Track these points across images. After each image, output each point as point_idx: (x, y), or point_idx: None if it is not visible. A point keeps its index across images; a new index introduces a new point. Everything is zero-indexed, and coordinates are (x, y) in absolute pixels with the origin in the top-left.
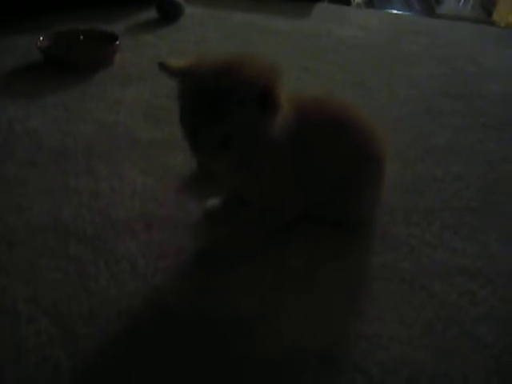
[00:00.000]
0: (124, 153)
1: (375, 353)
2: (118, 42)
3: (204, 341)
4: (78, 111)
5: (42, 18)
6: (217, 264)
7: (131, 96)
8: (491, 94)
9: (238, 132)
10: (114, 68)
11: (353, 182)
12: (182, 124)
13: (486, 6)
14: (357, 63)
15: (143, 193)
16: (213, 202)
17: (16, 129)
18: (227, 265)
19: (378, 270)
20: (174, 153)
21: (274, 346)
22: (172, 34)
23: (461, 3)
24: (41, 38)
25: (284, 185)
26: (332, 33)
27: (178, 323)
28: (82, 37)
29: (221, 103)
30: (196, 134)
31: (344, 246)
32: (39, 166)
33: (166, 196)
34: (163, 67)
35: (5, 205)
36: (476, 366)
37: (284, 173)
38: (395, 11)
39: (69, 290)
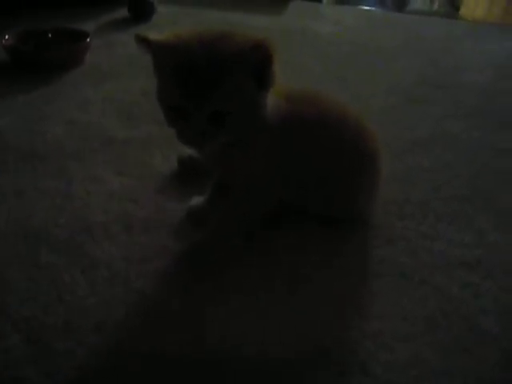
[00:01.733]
0: (98, 153)
1: (380, 352)
2: (88, 40)
3: (195, 348)
4: (47, 111)
5: (6, 17)
6: (203, 265)
7: (103, 95)
8: (469, 84)
9: (233, 108)
10: (85, 67)
11: (347, 177)
12: (164, 102)
13: (452, 3)
14: (335, 57)
15: (121, 194)
16: (196, 200)
17: None
18: (214, 265)
19: (376, 266)
20: (152, 151)
21: (274, 347)
22: (144, 32)
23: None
24: (6, 37)
25: (271, 171)
26: (308, 29)
27: (165, 331)
28: (50, 35)
29: (212, 75)
30: (183, 112)
31: (339, 241)
32: (6, 167)
33: (145, 197)
34: (140, 39)
35: None
36: (485, 360)
37: (272, 159)
38: (368, 8)
39: (41, 301)
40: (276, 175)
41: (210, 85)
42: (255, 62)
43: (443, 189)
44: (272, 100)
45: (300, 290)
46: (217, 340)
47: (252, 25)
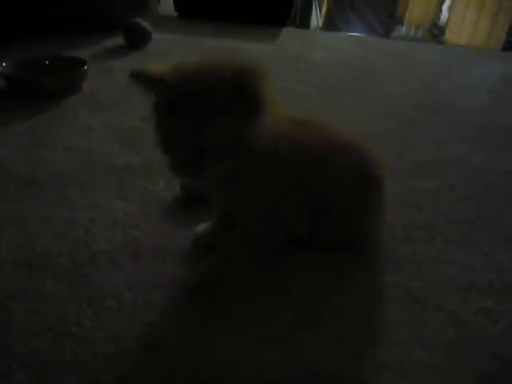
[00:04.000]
0: (100, 180)
1: (401, 382)
2: (86, 67)
3: (210, 380)
4: (47, 138)
5: (3, 45)
6: (213, 296)
7: (103, 122)
8: (467, 108)
9: (211, 142)
10: (83, 94)
11: (355, 202)
12: (156, 138)
13: (433, 31)
14: (331, 82)
15: (124, 221)
16: (202, 228)
17: None
18: (225, 296)
19: (388, 291)
20: (154, 177)
21: (288, 380)
22: (140, 60)
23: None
24: (3, 64)
25: (274, 202)
26: (302, 55)
27: (177, 364)
28: (47, 62)
29: (191, 111)
30: (167, 147)
31: (348, 268)
32: (6, 195)
33: (149, 224)
34: (136, 75)
35: None
36: None
37: (276, 190)
38: (358, 34)
39: (47, 335)
40: (281, 206)
41: (188, 120)
42: (237, 90)
43: (449, 212)
44: (274, 128)
45: (312, 318)
46: (230, 373)
47: (246, 52)
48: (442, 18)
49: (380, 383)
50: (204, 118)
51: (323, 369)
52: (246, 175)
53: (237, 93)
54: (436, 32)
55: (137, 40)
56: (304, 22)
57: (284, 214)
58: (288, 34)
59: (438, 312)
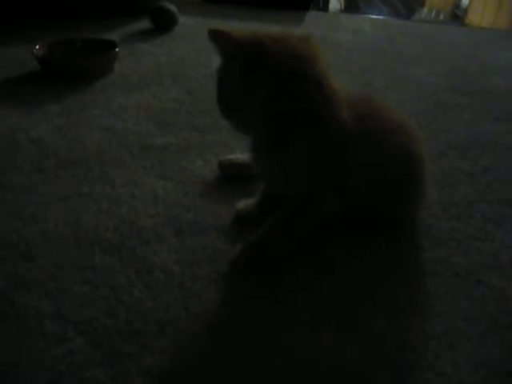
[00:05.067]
0: (138, 159)
1: (447, 352)
2: (117, 49)
3: (260, 352)
4: (82, 119)
5: (32, 29)
6: (259, 268)
7: (136, 102)
8: (497, 89)
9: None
10: (114, 76)
11: (403, 180)
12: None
13: (456, 13)
14: (358, 65)
15: (166, 198)
16: (244, 203)
17: (19, 138)
18: (270, 268)
19: (431, 266)
20: (191, 157)
21: (337, 350)
22: (168, 42)
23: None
24: (37, 47)
25: (325, 179)
26: (329, 38)
27: (230, 336)
28: (79, 44)
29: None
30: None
31: (391, 243)
32: (48, 174)
33: (190, 200)
34: (214, 33)
35: (15, 215)
36: None
37: (327, 166)
38: (381, 16)
39: (100, 304)
40: (332, 185)
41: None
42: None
43: (485, 192)
44: (331, 108)
45: (357, 294)
46: (276, 343)
47: None
48: (462, 2)
49: (428, 354)
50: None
51: (373, 341)
52: (299, 149)
53: (303, 59)
54: (459, 13)
55: (164, 22)
56: (326, 5)
57: (336, 190)
58: (313, 17)
59: (480, 286)
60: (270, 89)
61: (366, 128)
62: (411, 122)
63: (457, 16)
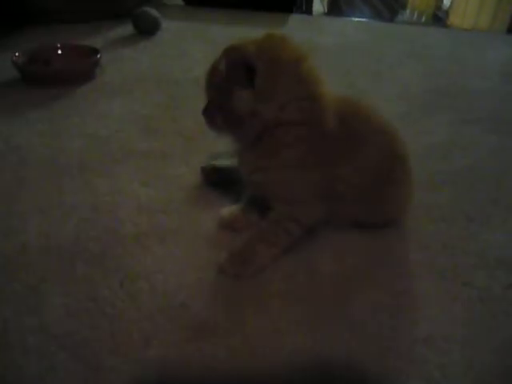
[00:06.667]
0: (121, 166)
1: (434, 356)
2: (99, 56)
3: (244, 359)
4: (64, 125)
5: (13, 36)
6: (245, 276)
7: (118, 109)
8: (478, 90)
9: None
10: (96, 82)
11: (389, 183)
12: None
13: (438, 15)
14: (342, 67)
15: (149, 206)
16: (228, 209)
17: None
18: (257, 275)
19: (416, 269)
20: (174, 163)
21: (325, 356)
22: (151, 48)
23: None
24: (17, 54)
25: (311, 185)
26: (312, 40)
27: (217, 346)
28: (60, 51)
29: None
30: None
31: (376, 246)
32: (28, 183)
33: (173, 208)
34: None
35: None
36: None
37: (316, 174)
38: (364, 19)
39: (82, 316)
40: (320, 192)
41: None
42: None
43: (469, 192)
44: (322, 115)
45: (344, 297)
46: (266, 351)
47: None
48: (444, 4)
49: (414, 357)
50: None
51: (357, 344)
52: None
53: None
54: (441, 15)
55: (147, 27)
56: (309, 8)
57: (324, 196)
58: (296, 20)
59: (466, 288)
60: (264, 99)
61: (351, 131)
62: (394, 125)
63: (439, 18)
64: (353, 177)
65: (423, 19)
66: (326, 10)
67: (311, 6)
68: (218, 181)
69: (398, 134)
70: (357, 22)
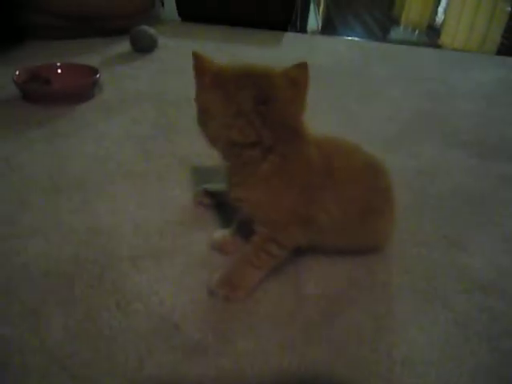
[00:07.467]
0: (118, 187)
1: (411, 379)
2: (98, 75)
3: (235, 379)
4: (63, 145)
5: (13, 52)
6: (235, 298)
7: (116, 129)
8: (466, 113)
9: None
10: (95, 101)
11: (370, 215)
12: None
13: (430, 34)
14: (334, 88)
15: (146, 227)
16: (220, 233)
17: None
18: (247, 297)
19: (398, 292)
20: (170, 184)
21: (306, 379)
22: (148, 65)
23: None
24: (17, 73)
25: (293, 214)
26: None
27: (209, 363)
28: (60, 70)
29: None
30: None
31: (359, 270)
32: (28, 204)
33: (170, 229)
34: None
35: None
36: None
37: (295, 202)
38: (357, 38)
39: (82, 337)
40: (300, 219)
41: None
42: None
43: (452, 215)
44: (301, 144)
45: (324, 320)
46: (254, 372)
47: (251, 57)
48: (437, 20)
49: (393, 379)
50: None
51: (340, 366)
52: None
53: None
54: (432, 34)
55: (144, 46)
56: (303, 26)
57: (305, 224)
58: (290, 38)
59: (444, 310)
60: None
61: (333, 165)
62: (377, 157)
63: (431, 36)
64: (333, 209)
65: (416, 34)
66: (320, 28)
67: (306, 24)
68: (209, 204)
69: (381, 166)
70: (349, 41)
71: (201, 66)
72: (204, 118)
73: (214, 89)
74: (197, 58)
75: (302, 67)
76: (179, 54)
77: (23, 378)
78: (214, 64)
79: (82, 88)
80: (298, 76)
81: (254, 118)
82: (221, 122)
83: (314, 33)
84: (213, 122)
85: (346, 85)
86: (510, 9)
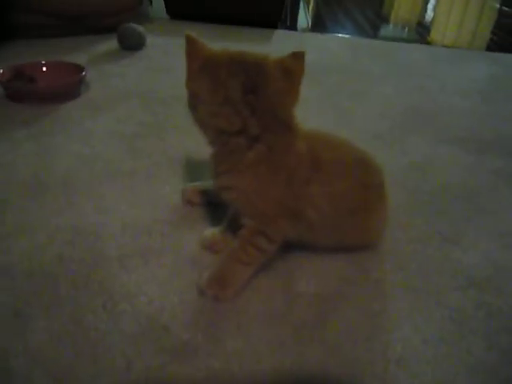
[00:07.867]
0: (106, 185)
1: (406, 378)
2: (84, 73)
3: (226, 380)
4: (49, 145)
5: None
6: (224, 296)
7: (103, 127)
8: (456, 108)
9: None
10: (81, 100)
11: (361, 212)
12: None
13: (419, 31)
14: (325, 85)
15: (134, 226)
16: (210, 231)
17: None
18: (237, 296)
19: (392, 290)
20: (158, 182)
21: (298, 378)
22: (136, 63)
23: (399, 29)
24: (0, 71)
25: (280, 207)
26: None
27: (199, 364)
28: (45, 68)
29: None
30: None
31: (353, 267)
32: (13, 203)
33: (158, 228)
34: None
35: None
36: (509, 379)
37: (282, 195)
38: (347, 35)
39: (66, 340)
40: (288, 213)
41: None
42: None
43: (445, 211)
44: (290, 139)
45: (317, 318)
46: (245, 373)
47: None
48: (427, 17)
49: (388, 379)
50: None
51: (334, 365)
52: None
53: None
54: (422, 31)
55: (131, 43)
56: (293, 23)
57: (293, 218)
58: (281, 35)
59: (439, 308)
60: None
61: (321, 160)
62: (368, 153)
63: (420, 33)
64: (323, 204)
65: (406, 32)
66: (310, 26)
67: (296, 22)
68: (198, 203)
69: (373, 162)
70: (340, 38)
71: (192, 49)
72: (193, 102)
73: (203, 74)
74: (189, 42)
75: (299, 57)
76: (167, 52)
77: (6, 383)
78: (207, 49)
79: (67, 86)
80: (292, 66)
81: (242, 106)
82: (208, 108)
83: (304, 30)
84: (201, 107)
85: (337, 82)
86: (498, 6)
